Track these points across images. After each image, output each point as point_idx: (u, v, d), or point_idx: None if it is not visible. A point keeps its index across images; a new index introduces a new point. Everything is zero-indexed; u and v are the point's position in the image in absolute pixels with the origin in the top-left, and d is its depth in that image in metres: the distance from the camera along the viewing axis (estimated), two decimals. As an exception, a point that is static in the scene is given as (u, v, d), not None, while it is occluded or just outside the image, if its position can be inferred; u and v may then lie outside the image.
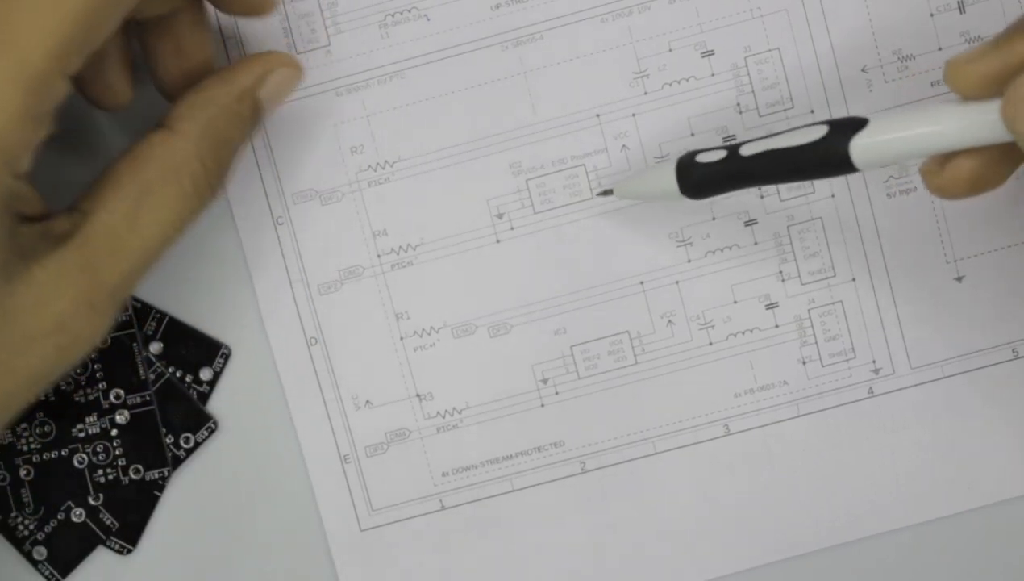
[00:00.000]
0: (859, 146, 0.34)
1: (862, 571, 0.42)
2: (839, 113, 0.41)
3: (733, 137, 0.41)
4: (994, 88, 0.32)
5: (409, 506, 0.42)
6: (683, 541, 0.42)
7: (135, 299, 0.41)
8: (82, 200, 0.35)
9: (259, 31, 0.41)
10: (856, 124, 0.34)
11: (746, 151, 0.36)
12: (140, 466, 0.41)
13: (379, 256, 0.41)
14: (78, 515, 0.41)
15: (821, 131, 0.35)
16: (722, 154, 0.37)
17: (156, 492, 0.42)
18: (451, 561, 0.42)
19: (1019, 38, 0.32)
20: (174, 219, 0.35)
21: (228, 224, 0.41)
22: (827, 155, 0.34)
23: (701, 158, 0.37)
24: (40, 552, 0.41)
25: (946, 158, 0.34)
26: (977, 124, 0.32)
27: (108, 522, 0.41)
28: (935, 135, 0.33)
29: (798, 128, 0.35)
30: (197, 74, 0.38)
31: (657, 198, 0.40)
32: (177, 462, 0.42)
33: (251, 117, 0.38)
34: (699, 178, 0.37)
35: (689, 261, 0.41)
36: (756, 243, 0.41)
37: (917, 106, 0.34)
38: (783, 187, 0.41)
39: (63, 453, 0.41)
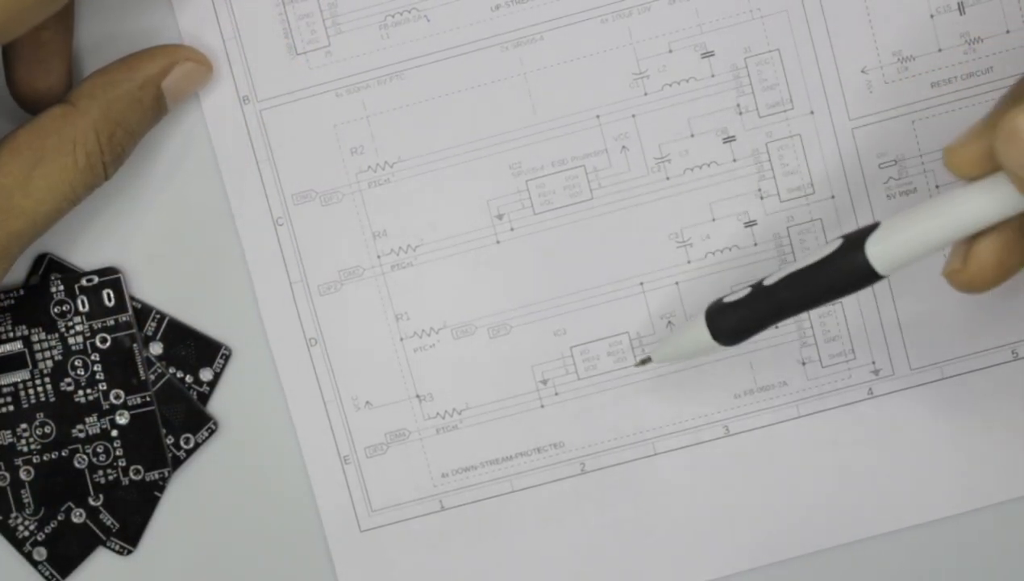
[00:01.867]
0: (875, 248, 0.33)
1: (862, 572, 0.42)
2: (839, 112, 0.41)
3: (733, 137, 0.41)
4: (993, 165, 0.32)
5: (409, 507, 0.42)
6: (683, 542, 0.42)
7: (135, 299, 0.41)
8: None
9: (259, 31, 0.40)
10: (869, 230, 0.34)
11: (769, 281, 0.36)
12: (140, 467, 0.41)
13: (379, 257, 0.41)
14: (78, 516, 0.41)
15: (836, 244, 0.34)
16: (746, 291, 0.36)
17: (156, 493, 0.42)
18: (451, 562, 0.42)
19: (1006, 112, 0.31)
20: (66, 189, 0.37)
21: (228, 224, 0.41)
22: (846, 265, 0.34)
23: (727, 300, 0.37)
24: (40, 553, 0.41)
25: (967, 250, 0.33)
26: (987, 199, 0.32)
27: (108, 523, 0.41)
28: (949, 222, 0.32)
29: (815, 250, 0.35)
30: (59, 89, 0.39)
31: (696, 354, 0.39)
32: (177, 463, 0.42)
33: (151, 105, 0.39)
34: (732, 323, 0.37)
35: (689, 262, 0.41)
36: (756, 244, 0.41)
37: (925, 201, 0.33)
38: (783, 188, 0.41)
39: (63, 454, 0.41)
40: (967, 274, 0.34)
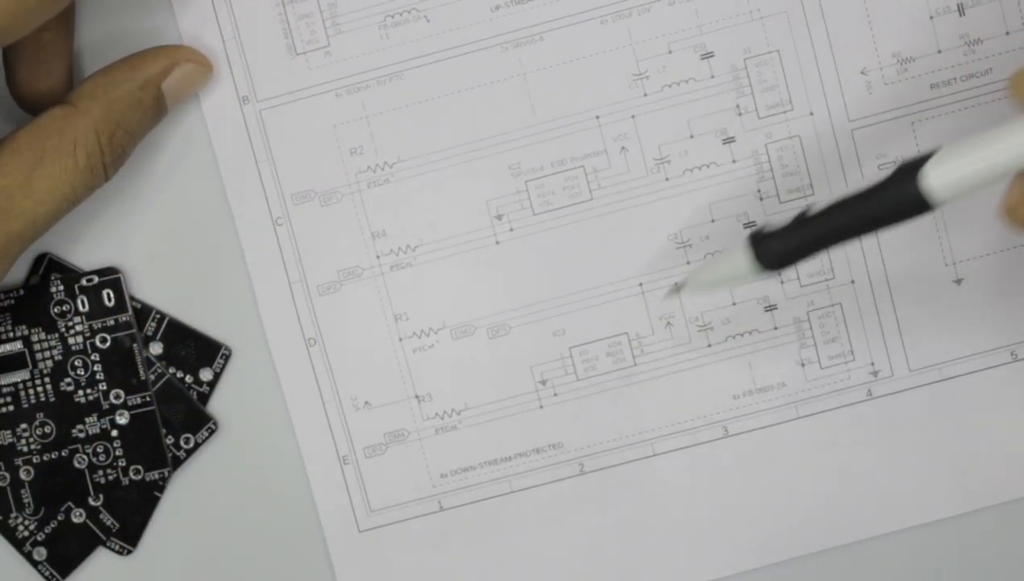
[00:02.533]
0: (932, 173, 0.32)
1: (862, 572, 0.42)
2: (839, 113, 0.40)
3: (733, 138, 0.41)
4: None
5: (408, 507, 0.42)
6: (682, 543, 0.42)
7: (135, 299, 0.41)
8: None
9: (259, 31, 0.41)
10: (926, 156, 0.32)
11: (815, 209, 0.35)
12: (140, 467, 0.41)
13: (378, 257, 0.41)
14: (78, 516, 0.41)
15: (889, 170, 0.33)
16: (790, 220, 0.36)
17: (156, 493, 0.42)
18: (450, 562, 0.42)
19: None
20: (66, 190, 0.37)
21: (228, 225, 0.41)
22: (900, 193, 0.32)
23: (770, 229, 0.36)
24: (40, 553, 0.41)
25: None
26: None
27: (108, 523, 0.42)
28: (1013, 150, 0.31)
29: (867, 181, 0.34)
30: (60, 90, 0.39)
31: (732, 281, 0.38)
32: (177, 463, 0.42)
33: (152, 106, 0.39)
34: (778, 247, 0.36)
35: (688, 263, 0.41)
36: (755, 245, 0.41)
37: (987, 128, 0.31)
38: (782, 189, 0.41)
39: (63, 454, 0.41)
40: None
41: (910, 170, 0.32)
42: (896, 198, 0.33)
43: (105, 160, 0.38)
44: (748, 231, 0.36)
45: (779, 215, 0.37)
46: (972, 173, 0.31)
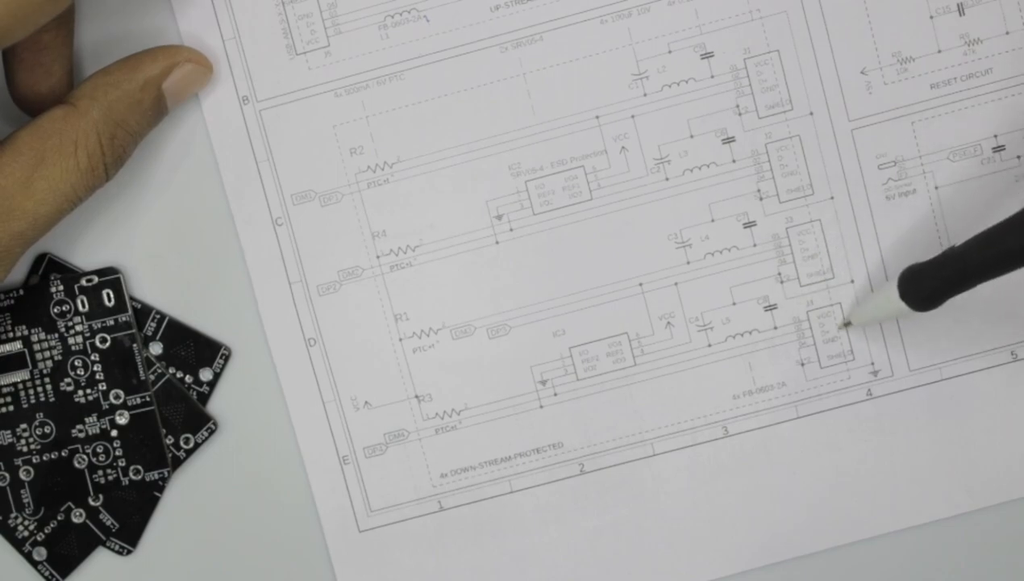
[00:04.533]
0: None
1: (861, 573, 0.42)
2: (839, 113, 0.40)
3: (732, 138, 0.41)
4: None
5: (408, 507, 0.42)
6: (682, 542, 0.42)
7: (135, 299, 0.41)
8: None
9: (259, 31, 0.41)
10: None
11: (960, 244, 0.35)
12: (140, 467, 0.41)
13: (378, 257, 0.41)
14: (78, 516, 0.41)
15: None
16: (937, 256, 0.36)
17: (156, 493, 0.42)
18: (449, 562, 0.42)
19: None
20: (67, 190, 0.37)
21: (228, 225, 0.41)
22: None
23: (918, 265, 0.36)
24: (40, 553, 0.41)
25: None
26: None
27: (108, 523, 0.42)
28: None
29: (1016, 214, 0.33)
30: (60, 92, 0.39)
31: (893, 317, 0.39)
32: (177, 463, 0.42)
33: (152, 106, 0.39)
34: (924, 289, 0.36)
35: (688, 263, 0.41)
36: (755, 245, 0.41)
37: None
38: (782, 189, 0.41)
39: (63, 454, 0.41)
40: None
41: None
42: None
43: (106, 160, 0.38)
44: (902, 269, 0.37)
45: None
46: None
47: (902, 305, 0.37)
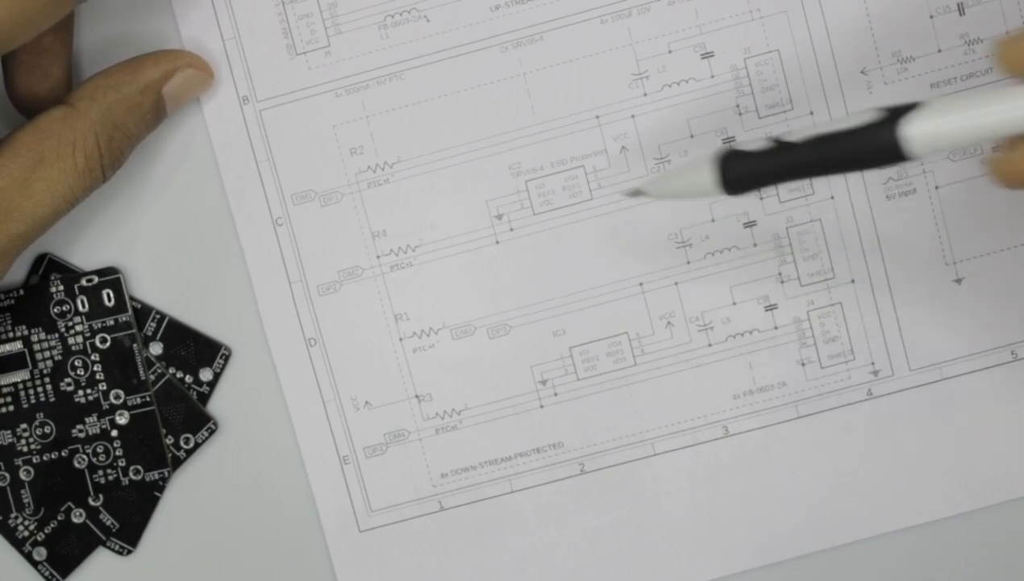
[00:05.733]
0: (916, 128, 0.31)
1: (861, 573, 0.42)
2: (839, 113, 0.40)
3: (732, 138, 0.41)
4: None
5: (408, 507, 0.42)
6: (682, 542, 0.42)
7: (135, 299, 0.41)
8: None
9: (259, 31, 0.41)
10: (909, 106, 0.32)
11: (792, 138, 0.34)
12: (140, 467, 0.41)
13: (378, 257, 0.41)
14: (78, 516, 0.41)
15: (873, 115, 0.33)
16: (768, 144, 0.34)
17: (156, 493, 0.42)
18: (450, 562, 0.42)
19: None
20: (65, 191, 0.37)
21: (228, 225, 0.41)
22: (879, 140, 0.32)
23: (744, 149, 0.35)
24: (40, 553, 0.41)
25: (1016, 144, 0.32)
26: None
27: (108, 523, 0.42)
28: (998, 116, 0.31)
29: (848, 116, 0.33)
30: (59, 94, 0.39)
31: (691, 195, 0.37)
32: (177, 463, 0.42)
33: (151, 110, 0.39)
34: (745, 171, 0.35)
35: (688, 262, 0.41)
36: (755, 245, 0.41)
37: (974, 91, 0.32)
38: (782, 189, 0.41)
39: (63, 454, 0.41)
40: (1011, 165, 0.32)
41: (893, 118, 0.32)
42: (875, 144, 0.32)
43: (103, 162, 0.38)
44: (720, 147, 0.36)
45: (754, 132, 0.37)
46: (952, 132, 0.31)
47: (712, 184, 0.35)
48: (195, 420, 0.41)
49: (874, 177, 0.41)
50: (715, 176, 0.35)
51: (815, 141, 0.33)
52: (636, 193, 0.38)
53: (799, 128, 0.35)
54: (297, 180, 0.41)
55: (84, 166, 0.37)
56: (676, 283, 0.41)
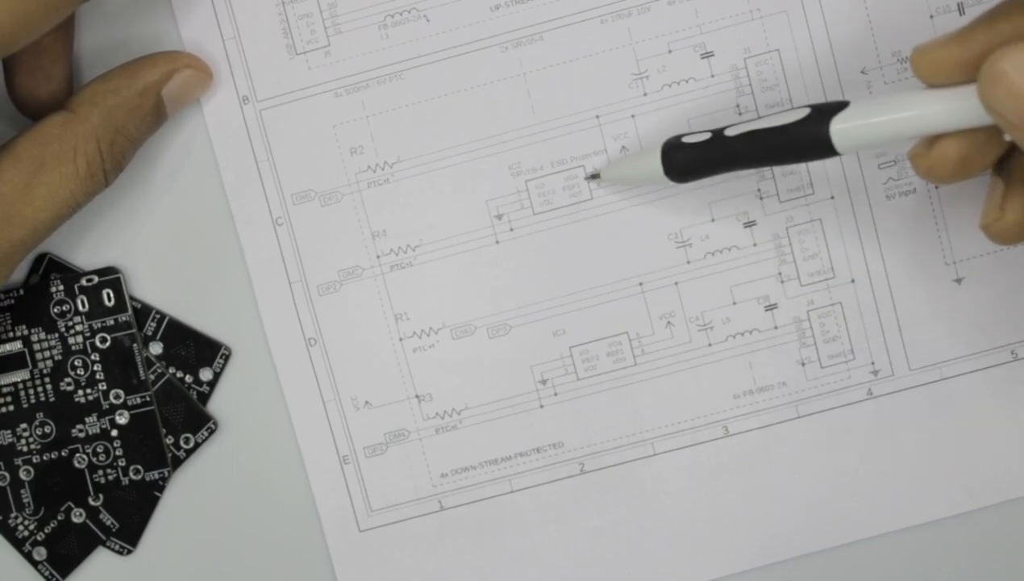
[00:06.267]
0: (839, 128, 0.34)
1: (861, 573, 0.42)
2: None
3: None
4: (960, 74, 0.32)
5: (408, 507, 0.42)
6: (682, 542, 0.42)
7: (135, 299, 0.41)
8: None
9: (259, 31, 0.41)
10: (838, 107, 0.34)
11: (730, 132, 0.36)
12: (140, 467, 0.41)
13: (378, 257, 0.41)
14: (78, 516, 0.41)
15: (803, 113, 0.35)
16: (707, 136, 0.37)
17: (156, 493, 0.42)
18: (450, 562, 0.42)
19: (982, 28, 0.32)
20: (66, 196, 0.37)
21: (228, 225, 0.41)
22: (808, 136, 0.35)
23: (687, 140, 0.38)
24: (40, 552, 0.41)
25: (933, 141, 0.34)
26: (957, 108, 0.32)
27: (108, 523, 0.42)
28: (916, 118, 0.33)
29: (783, 111, 0.36)
30: (60, 96, 0.39)
31: (643, 181, 0.40)
32: (177, 462, 0.42)
33: (152, 112, 0.39)
34: (684, 160, 0.38)
35: (688, 262, 0.41)
36: (755, 244, 0.41)
37: (899, 91, 0.35)
38: (783, 188, 0.41)
39: (63, 453, 0.41)
40: (928, 161, 0.34)
41: (822, 117, 0.34)
42: (805, 140, 0.35)
43: (105, 166, 0.38)
44: (666, 138, 0.38)
45: (698, 129, 0.39)
46: (872, 137, 0.34)
47: (660, 172, 0.38)
48: (195, 420, 0.41)
49: (874, 177, 0.41)
50: (660, 164, 0.38)
51: (749, 135, 0.36)
52: (594, 176, 0.41)
53: (740, 120, 0.38)
54: (297, 180, 0.41)
55: (86, 171, 0.37)
56: (676, 283, 0.41)
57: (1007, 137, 0.32)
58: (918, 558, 0.42)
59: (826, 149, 0.34)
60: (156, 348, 0.41)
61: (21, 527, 0.41)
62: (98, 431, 0.41)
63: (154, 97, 0.39)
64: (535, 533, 0.42)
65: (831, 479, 0.41)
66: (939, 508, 0.42)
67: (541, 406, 0.41)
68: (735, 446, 0.41)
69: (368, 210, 0.41)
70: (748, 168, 0.38)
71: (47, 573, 0.42)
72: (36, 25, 0.35)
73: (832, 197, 0.41)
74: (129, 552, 0.42)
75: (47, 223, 0.37)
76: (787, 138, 0.35)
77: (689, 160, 0.37)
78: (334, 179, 0.41)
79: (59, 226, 0.37)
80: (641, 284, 0.41)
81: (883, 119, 0.33)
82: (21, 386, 0.41)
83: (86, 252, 0.41)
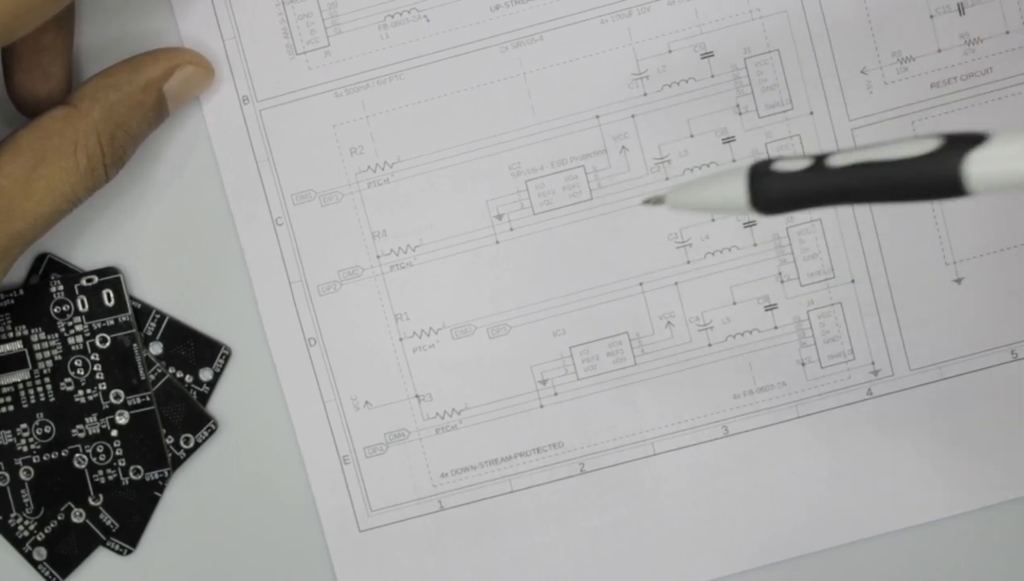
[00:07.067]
0: (980, 170, 0.28)
1: (861, 573, 0.42)
2: (839, 113, 0.40)
3: (733, 138, 0.41)
4: None
5: (408, 507, 0.42)
6: (682, 542, 0.42)
7: (135, 299, 0.41)
8: None
9: (259, 31, 0.41)
10: (974, 140, 0.28)
11: (835, 162, 0.30)
12: (140, 467, 0.41)
13: (378, 257, 0.41)
14: (78, 516, 0.41)
15: (931, 144, 0.29)
16: (805, 164, 0.31)
17: (156, 493, 0.42)
18: (450, 562, 0.42)
19: None
20: (66, 191, 0.37)
21: (228, 224, 0.41)
22: (935, 173, 0.29)
23: (780, 167, 0.31)
24: (40, 553, 0.41)
25: None
26: None
27: (108, 523, 0.42)
28: None
29: (902, 140, 0.30)
30: (59, 94, 0.39)
31: (718, 210, 0.33)
32: (177, 463, 0.42)
33: (153, 108, 0.39)
34: (780, 191, 0.31)
35: (688, 262, 0.41)
36: (755, 244, 0.41)
37: None
38: (782, 188, 0.41)
39: (63, 454, 0.41)
40: None
41: (957, 150, 0.28)
42: (933, 176, 0.29)
43: (105, 161, 0.38)
44: (752, 161, 0.32)
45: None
46: (1019, 177, 0.28)
47: (743, 201, 0.32)
48: (195, 420, 0.41)
49: (907, 140, 0.40)
50: (746, 193, 0.32)
51: (862, 167, 0.30)
52: (656, 201, 0.35)
53: (844, 148, 0.32)
54: (297, 180, 0.41)
55: (86, 166, 0.37)
56: (676, 283, 0.41)
57: None
58: (918, 558, 0.42)
59: (955, 188, 0.28)
60: (156, 348, 0.41)
61: (21, 527, 0.41)
62: (98, 431, 0.41)
63: (156, 93, 0.39)
64: (535, 533, 0.42)
65: (831, 479, 0.41)
66: (939, 508, 0.42)
67: (541, 406, 0.41)
68: (735, 446, 0.41)
69: (368, 210, 0.41)
70: (852, 203, 0.31)
71: (47, 573, 0.42)
72: (33, 16, 0.35)
73: (832, 197, 0.41)
74: (129, 552, 0.42)
75: (47, 217, 0.37)
76: (908, 174, 0.29)
77: (786, 191, 0.31)
78: (334, 179, 0.41)
79: (58, 220, 0.37)
80: (641, 284, 0.41)
81: None
82: (21, 386, 0.41)
83: (86, 252, 0.41)
